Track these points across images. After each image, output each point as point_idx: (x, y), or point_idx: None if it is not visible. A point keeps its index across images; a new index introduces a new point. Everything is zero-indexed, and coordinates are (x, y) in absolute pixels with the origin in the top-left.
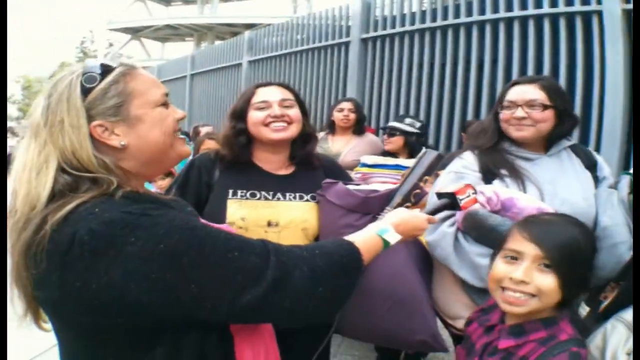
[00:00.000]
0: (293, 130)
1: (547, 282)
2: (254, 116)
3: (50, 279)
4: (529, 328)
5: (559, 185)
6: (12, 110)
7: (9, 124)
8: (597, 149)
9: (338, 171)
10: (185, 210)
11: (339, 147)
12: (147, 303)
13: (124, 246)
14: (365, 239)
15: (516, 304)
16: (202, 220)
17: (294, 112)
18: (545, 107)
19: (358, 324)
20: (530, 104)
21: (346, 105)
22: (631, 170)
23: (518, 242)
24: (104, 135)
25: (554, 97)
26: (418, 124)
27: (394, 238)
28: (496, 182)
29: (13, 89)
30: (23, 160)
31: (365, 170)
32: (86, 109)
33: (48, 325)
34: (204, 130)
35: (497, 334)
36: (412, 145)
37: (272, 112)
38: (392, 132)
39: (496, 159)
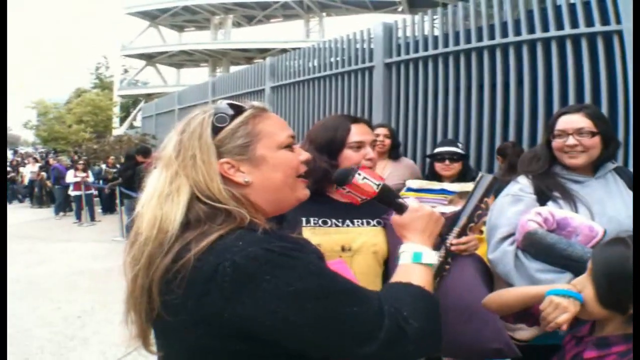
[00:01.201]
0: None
1: (586, 292)
2: (351, 156)
3: (186, 305)
4: (613, 341)
5: (607, 205)
6: (28, 135)
7: (27, 149)
8: (625, 166)
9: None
10: (313, 253)
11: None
12: (271, 338)
13: (262, 283)
14: (423, 279)
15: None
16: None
17: (376, 153)
18: (593, 134)
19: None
20: (579, 132)
21: (381, 130)
22: None
23: None
24: (230, 172)
25: (599, 123)
26: (462, 146)
27: (430, 258)
28: (550, 204)
29: (29, 115)
30: (153, 187)
31: (411, 194)
32: (216, 147)
33: (154, 348)
34: None
35: (585, 346)
36: (469, 169)
37: (368, 155)
38: (452, 157)
39: (549, 183)
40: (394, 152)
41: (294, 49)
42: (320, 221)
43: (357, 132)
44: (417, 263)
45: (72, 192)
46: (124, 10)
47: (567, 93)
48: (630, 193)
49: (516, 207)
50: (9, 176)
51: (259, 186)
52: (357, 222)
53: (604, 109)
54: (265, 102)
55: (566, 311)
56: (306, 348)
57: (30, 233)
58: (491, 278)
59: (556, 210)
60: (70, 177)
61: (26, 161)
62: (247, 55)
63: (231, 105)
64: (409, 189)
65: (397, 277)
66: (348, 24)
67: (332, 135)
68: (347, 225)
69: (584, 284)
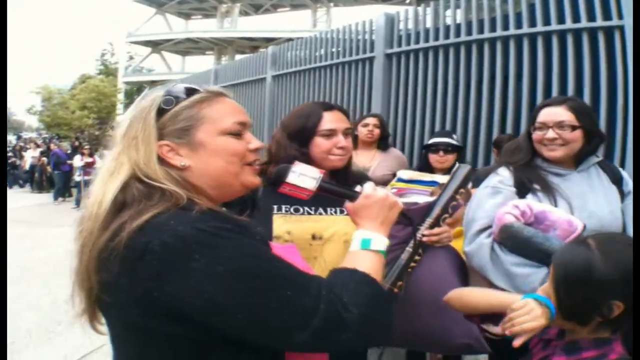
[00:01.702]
0: (347, 159)
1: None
2: (321, 144)
3: (119, 283)
4: (583, 346)
5: (588, 199)
6: (32, 121)
7: (30, 135)
8: (622, 163)
9: None
10: (256, 234)
11: (364, 162)
12: (200, 320)
13: (190, 262)
14: (370, 265)
15: None
16: (273, 246)
17: (350, 142)
18: (574, 127)
19: (405, 332)
20: (559, 125)
21: (371, 120)
22: None
23: None
24: (168, 155)
25: (581, 117)
26: (457, 138)
27: (379, 245)
28: (529, 197)
29: (34, 100)
30: (103, 167)
31: (401, 185)
32: (158, 128)
33: (102, 328)
34: None
35: (553, 349)
36: (463, 161)
37: (339, 142)
38: (446, 149)
39: (530, 175)
40: (382, 143)
41: (299, 39)
42: (292, 209)
43: (329, 120)
44: (365, 249)
45: (77, 178)
46: None
47: (567, 88)
48: (613, 188)
49: (494, 200)
50: (10, 161)
51: (197, 170)
52: (330, 210)
53: (603, 105)
54: (267, 90)
55: (536, 321)
56: (239, 332)
57: (28, 218)
58: (466, 271)
59: (534, 204)
60: (78, 161)
61: (28, 146)
62: (253, 44)
63: (186, 89)
64: (400, 180)
65: (345, 263)
66: (355, 15)
67: (304, 122)
68: (320, 214)
69: (547, 291)
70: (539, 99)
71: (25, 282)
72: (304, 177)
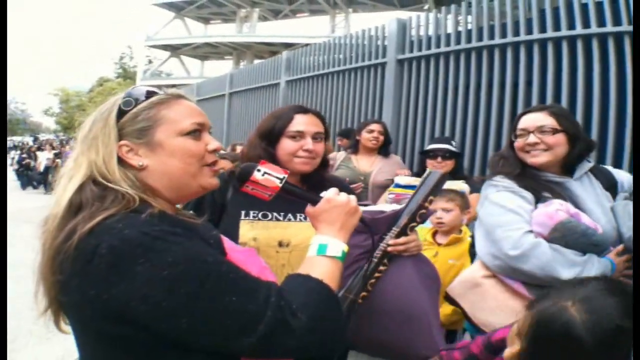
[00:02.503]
0: (315, 164)
1: (511, 350)
2: (287, 145)
3: (72, 285)
4: None
5: (586, 209)
6: (50, 122)
7: (48, 137)
8: (630, 170)
9: (347, 192)
10: (208, 238)
11: (365, 167)
12: (145, 323)
13: (134, 266)
14: (324, 271)
15: None
16: (229, 247)
17: (321, 147)
18: (555, 131)
19: (372, 340)
20: (541, 130)
21: (376, 127)
22: None
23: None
24: (127, 155)
25: (562, 121)
26: (455, 144)
27: (335, 250)
28: (540, 205)
29: (51, 102)
30: (64, 168)
31: (398, 190)
32: (118, 129)
33: (67, 328)
34: (239, 149)
35: None
36: (461, 167)
37: (306, 145)
38: (444, 155)
39: (532, 184)
40: (384, 149)
41: (314, 44)
42: (260, 214)
43: (299, 122)
44: (321, 255)
45: None
46: (150, 1)
47: (576, 93)
48: (607, 195)
49: (522, 203)
50: (24, 162)
51: (155, 171)
52: (300, 216)
53: (612, 111)
54: (280, 95)
55: None
56: (185, 337)
57: (39, 219)
58: (437, 280)
59: (568, 205)
60: None
61: (43, 147)
62: (271, 49)
63: (147, 91)
64: (397, 185)
65: (301, 269)
66: (374, 21)
67: (274, 123)
68: (289, 220)
69: (512, 339)
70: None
71: (30, 281)
72: (268, 175)
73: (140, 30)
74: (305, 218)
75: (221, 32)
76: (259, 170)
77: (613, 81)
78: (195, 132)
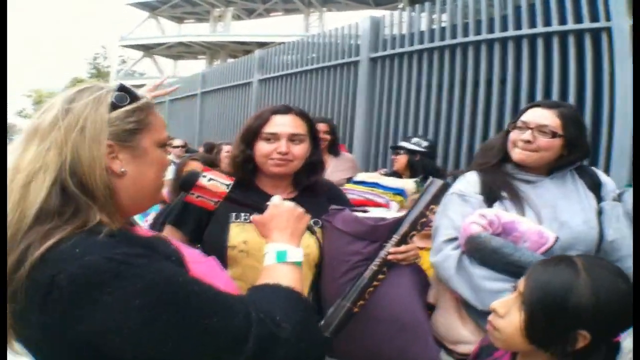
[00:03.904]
0: (292, 167)
1: (514, 319)
2: (261, 148)
3: (32, 320)
4: None
5: (559, 208)
6: (23, 124)
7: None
8: (607, 168)
9: (340, 197)
10: (169, 254)
11: None
12: (123, 355)
13: (102, 295)
14: (291, 279)
15: (489, 330)
16: (189, 259)
17: (299, 150)
18: (554, 135)
19: (365, 350)
20: (540, 129)
21: (322, 127)
22: None
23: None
24: (108, 157)
25: (568, 127)
26: (425, 143)
27: (296, 256)
28: (496, 205)
29: (24, 104)
30: (17, 164)
31: (350, 187)
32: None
33: (19, 347)
34: (225, 149)
35: None
36: (415, 164)
37: (279, 147)
38: (397, 150)
39: (498, 181)
40: (333, 148)
41: (286, 43)
42: (251, 216)
43: (275, 123)
44: (283, 263)
45: None
46: (125, 0)
47: (551, 91)
48: (590, 195)
49: (461, 208)
50: None
51: (130, 179)
52: None
53: (588, 109)
54: (253, 95)
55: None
56: None
57: None
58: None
59: (502, 213)
60: None
61: None
62: (245, 49)
63: (127, 89)
64: (354, 182)
65: (264, 279)
66: (348, 20)
67: (251, 124)
68: None
69: (508, 306)
70: (523, 103)
71: None
72: (214, 181)
73: (113, 29)
74: None
75: (195, 31)
76: (204, 176)
77: (589, 78)
78: (166, 145)
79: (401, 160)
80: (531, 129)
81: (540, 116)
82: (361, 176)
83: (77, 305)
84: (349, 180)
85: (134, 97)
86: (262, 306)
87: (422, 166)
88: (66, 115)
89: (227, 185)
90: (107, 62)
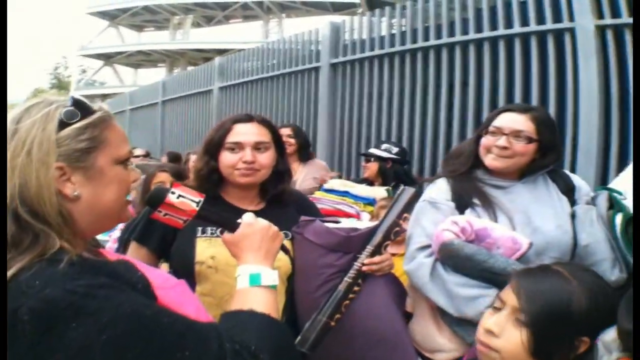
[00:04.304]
0: (260, 176)
1: (515, 337)
2: (226, 158)
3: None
4: None
5: (532, 213)
6: None
7: None
8: (573, 168)
9: (310, 207)
10: (135, 282)
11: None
12: None
13: (66, 331)
14: (266, 303)
15: (481, 352)
16: (157, 284)
17: (265, 158)
18: (530, 140)
19: None
20: (516, 135)
21: (285, 131)
22: (608, 185)
23: (505, 291)
24: (59, 180)
25: (542, 131)
26: (395, 149)
27: (270, 279)
28: (468, 212)
29: None
30: None
31: (320, 195)
32: (57, 146)
33: None
34: (192, 158)
35: None
36: (386, 172)
37: (244, 157)
38: (367, 158)
39: (468, 187)
40: (303, 154)
41: (246, 50)
42: (218, 231)
43: (237, 132)
44: (256, 286)
45: None
46: (86, 10)
47: (513, 94)
48: (564, 199)
49: (433, 215)
50: None
51: (86, 203)
52: None
53: (552, 110)
54: (214, 102)
55: None
56: None
57: None
58: (405, 299)
59: (475, 220)
60: None
61: None
62: (205, 56)
63: (80, 102)
64: (324, 189)
65: (237, 304)
66: (307, 26)
67: (213, 135)
68: None
69: (502, 324)
70: (485, 106)
71: None
72: (183, 198)
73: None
74: None
75: (154, 39)
76: (173, 193)
77: (552, 79)
78: (127, 161)
79: (372, 167)
80: (506, 134)
81: (515, 121)
82: (332, 183)
83: (43, 340)
84: (320, 187)
85: (87, 112)
86: (236, 335)
87: (393, 173)
88: (13, 137)
89: (197, 202)
90: (67, 72)
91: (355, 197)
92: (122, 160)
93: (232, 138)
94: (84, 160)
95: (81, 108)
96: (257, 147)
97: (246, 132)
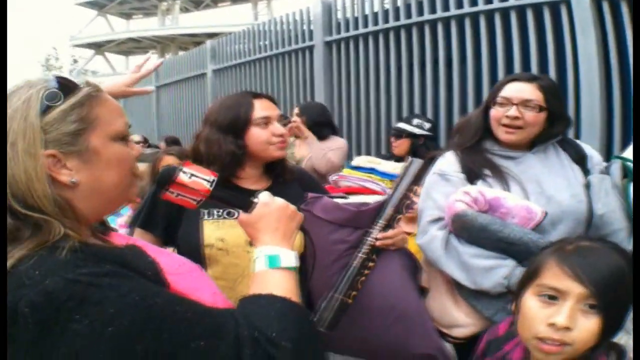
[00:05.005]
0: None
1: (589, 326)
2: (258, 134)
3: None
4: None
5: (545, 183)
6: None
7: None
8: (577, 140)
9: (311, 181)
10: (144, 268)
11: (304, 152)
12: None
13: (69, 323)
14: (285, 287)
15: (552, 352)
16: (170, 270)
17: (288, 132)
18: (540, 108)
19: (361, 342)
20: (525, 104)
21: (295, 110)
22: (623, 154)
23: (557, 278)
24: (54, 168)
25: (550, 99)
26: (427, 125)
27: (289, 261)
28: (479, 183)
29: None
30: None
31: (347, 172)
32: (42, 132)
33: None
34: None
35: None
36: (419, 149)
37: (277, 130)
38: (398, 134)
39: (477, 159)
40: (315, 131)
41: (238, 32)
42: (225, 212)
43: (261, 107)
44: (275, 268)
45: None
46: (74, 1)
47: (513, 68)
48: (576, 167)
49: (443, 188)
50: None
51: (86, 188)
52: None
53: None
54: (208, 86)
55: None
56: None
57: None
58: (419, 274)
59: (487, 190)
60: None
61: None
62: (195, 40)
63: (63, 80)
64: (349, 166)
65: (255, 288)
66: (296, 6)
67: (236, 113)
68: None
69: (574, 316)
70: (485, 81)
71: None
72: (195, 178)
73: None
74: None
75: (144, 26)
76: (184, 172)
77: (551, 52)
78: (126, 135)
79: (402, 144)
80: (515, 104)
81: (522, 90)
82: (358, 160)
83: (46, 333)
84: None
85: (71, 90)
86: (255, 322)
87: (426, 151)
88: None
89: (211, 182)
90: (58, 63)
91: (382, 174)
92: (119, 136)
93: (260, 113)
94: (76, 144)
95: (64, 87)
96: (280, 119)
97: (269, 107)
